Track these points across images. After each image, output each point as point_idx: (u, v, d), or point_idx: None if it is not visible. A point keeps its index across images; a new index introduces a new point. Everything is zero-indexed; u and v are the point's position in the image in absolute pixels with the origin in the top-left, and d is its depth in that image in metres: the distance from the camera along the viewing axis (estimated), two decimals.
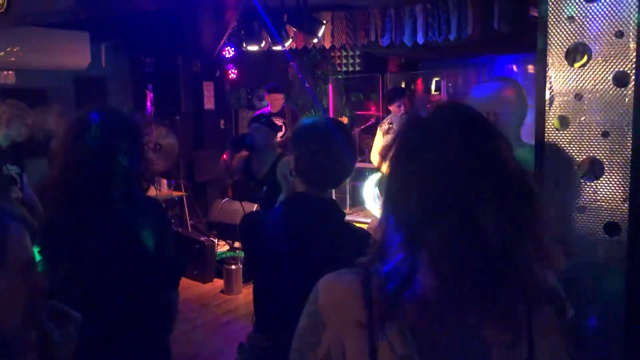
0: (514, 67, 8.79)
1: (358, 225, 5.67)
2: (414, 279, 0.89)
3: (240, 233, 1.88)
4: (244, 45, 6.69)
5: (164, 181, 6.41)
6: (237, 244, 5.68)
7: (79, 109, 1.90)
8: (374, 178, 6.02)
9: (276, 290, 1.75)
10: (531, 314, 0.92)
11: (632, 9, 1.87)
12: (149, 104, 6.76)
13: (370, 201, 6.90)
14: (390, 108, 5.26)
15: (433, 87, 8.10)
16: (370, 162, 5.81)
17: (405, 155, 0.92)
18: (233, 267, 5.20)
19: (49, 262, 1.79)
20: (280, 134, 6.06)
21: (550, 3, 2.01)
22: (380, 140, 5.36)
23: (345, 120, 7.08)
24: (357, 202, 7.37)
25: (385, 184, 0.94)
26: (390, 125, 5.28)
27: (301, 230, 1.70)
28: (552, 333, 0.94)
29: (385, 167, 0.96)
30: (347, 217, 7.23)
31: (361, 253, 1.66)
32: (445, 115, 0.94)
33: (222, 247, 6.00)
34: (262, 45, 6.53)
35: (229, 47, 7.08)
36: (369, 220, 5.55)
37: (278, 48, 6.46)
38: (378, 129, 5.45)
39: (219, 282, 5.43)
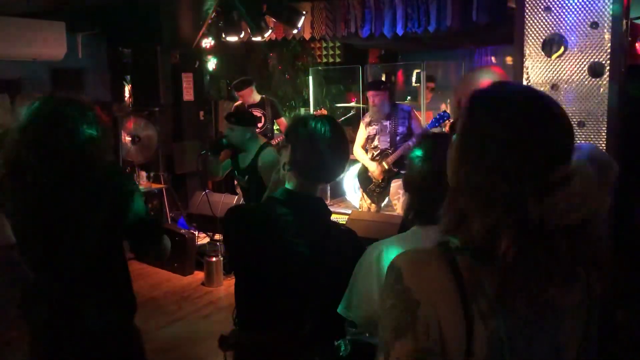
0: (493, 59, 8.86)
1: (339, 216, 5.66)
2: (494, 247, 0.92)
3: (225, 226, 1.86)
4: (223, 36, 6.64)
5: (143, 173, 6.35)
6: (217, 236, 5.66)
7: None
8: (355, 170, 6.04)
9: (262, 288, 1.73)
10: (588, 277, 1.01)
11: (606, 0, 1.90)
12: (127, 95, 6.68)
13: (351, 192, 6.93)
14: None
15: (414, 78, 8.13)
16: (351, 153, 5.83)
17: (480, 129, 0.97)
18: (214, 259, 5.19)
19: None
20: (259, 124, 6.05)
21: None
22: (363, 133, 5.37)
23: (324, 112, 7.08)
24: (337, 194, 7.40)
25: (455, 157, 1.00)
26: (371, 118, 5.32)
27: (291, 228, 1.68)
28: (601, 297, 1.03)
29: (455, 141, 1.01)
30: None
31: (349, 252, 1.68)
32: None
33: (202, 240, 5.97)
34: (242, 36, 6.49)
35: (208, 38, 7.02)
36: (349, 211, 5.57)
37: (258, 39, 6.42)
38: (361, 122, 5.48)
39: (199, 275, 5.41)
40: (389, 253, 1.48)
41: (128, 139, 6.23)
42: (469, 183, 0.97)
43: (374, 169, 5.25)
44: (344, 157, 1.78)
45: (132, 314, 2.05)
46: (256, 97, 6.14)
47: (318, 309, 1.67)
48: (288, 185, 1.76)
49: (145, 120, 6.38)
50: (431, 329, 0.94)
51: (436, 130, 4.92)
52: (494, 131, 0.95)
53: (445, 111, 5.33)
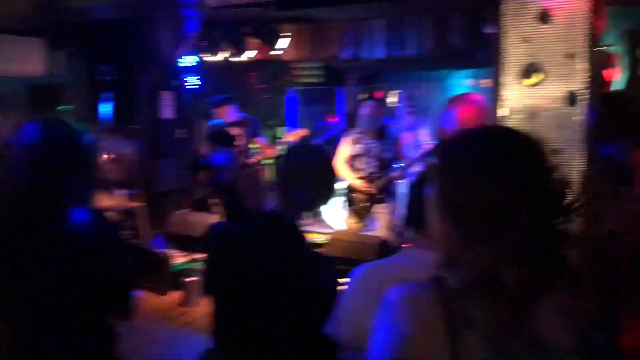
0: (470, 82, 9.03)
1: (318, 235, 5.67)
2: (484, 284, 0.94)
3: (206, 243, 1.86)
4: (205, 55, 6.65)
5: (121, 191, 6.28)
6: (197, 256, 5.61)
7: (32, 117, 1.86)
8: (336, 187, 6.05)
9: (239, 305, 1.74)
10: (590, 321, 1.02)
11: (581, 32, 1.97)
12: (106, 112, 6.64)
13: (330, 212, 6.93)
14: (360, 111, 5.23)
15: (392, 99, 8.27)
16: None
17: (463, 169, 0.99)
18: (193, 279, 5.13)
19: None
20: (238, 143, 6.04)
21: (506, 24, 2.09)
22: (347, 148, 5.30)
23: (307, 132, 7.08)
24: (317, 212, 7.40)
25: (441, 197, 1.01)
26: (360, 136, 5.20)
27: (272, 250, 1.70)
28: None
29: (434, 179, 1.03)
30: (307, 227, 7.15)
31: (325, 277, 1.69)
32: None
33: (179, 259, 5.91)
34: (223, 55, 6.50)
35: (189, 57, 7.03)
36: (328, 231, 5.58)
37: (239, 59, 6.44)
38: (346, 137, 5.36)
39: (175, 295, 5.35)
40: (376, 274, 1.50)
41: (105, 156, 6.18)
42: (467, 214, 0.97)
43: (359, 190, 5.18)
44: (331, 187, 1.81)
45: (113, 344, 2.00)
46: (235, 115, 6.14)
47: (293, 327, 1.68)
48: (270, 207, 1.79)
49: (124, 137, 6.34)
50: None
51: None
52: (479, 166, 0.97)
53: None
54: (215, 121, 6.22)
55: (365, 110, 5.17)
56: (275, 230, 1.72)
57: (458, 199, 0.98)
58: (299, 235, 1.79)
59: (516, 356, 0.95)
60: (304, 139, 6.26)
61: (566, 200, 0.98)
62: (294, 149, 1.86)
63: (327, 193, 1.79)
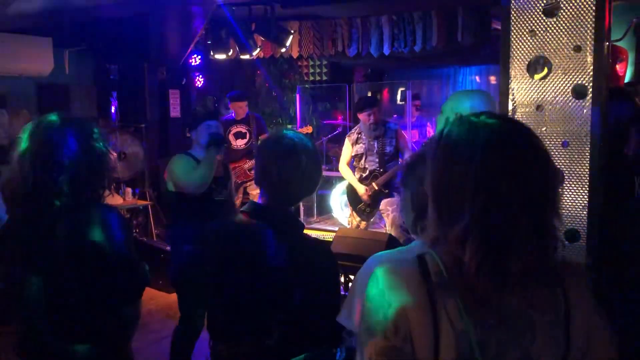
0: (477, 78, 9.00)
1: (325, 233, 5.62)
2: (462, 259, 1.00)
3: (202, 243, 1.85)
4: (212, 53, 6.66)
5: (129, 190, 6.31)
6: None
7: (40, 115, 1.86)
8: (342, 186, 6.05)
9: (236, 300, 1.73)
10: (567, 292, 1.06)
11: (588, 25, 1.95)
12: (113, 111, 6.67)
13: (338, 209, 6.94)
14: (360, 117, 5.23)
15: (399, 97, 8.23)
16: (337, 171, 5.83)
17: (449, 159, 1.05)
18: None
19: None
20: (244, 141, 6.07)
21: (512, 17, 2.08)
22: (348, 150, 5.32)
23: (310, 129, 7.09)
24: (325, 211, 7.40)
25: (431, 183, 1.08)
26: (359, 135, 5.26)
27: (262, 241, 1.69)
28: (587, 308, 1.08)
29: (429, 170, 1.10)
30: (315, 225, 7.11)
31: (322, 263, 1.70)
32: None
33: None
34: (230, 53, 6.51)
35: (196, 55, 7.04)
36: (336, 228, 5.58)
37: (246, 57, 6.45)
38: (346, 138, 5.42)
39: None
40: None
41: (114, 155, 6.21)
42: (442, 200, 1.05)
43: (362, 192, 5.18)
44: (313, 176, 1.78)
45: (128, 340, 2.00)
46: (244, 112, 6.17)
47: (292, 319, 1.68)
48: (259, 200, 1.78)
49: (131, 136, 6.36)
50: (401, 329, 1.01)
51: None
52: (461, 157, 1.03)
53: None
54: (225, 117, 6.25)
55: (364, 117, 5.13)
56: (267, 221, 1.70)
57: (436, 177, 1.06)
58: (293, 225, 1.78)
59: (492, 326, 1.01)
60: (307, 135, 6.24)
61: (554, 192, 1.03)
62: (264, 142, 1.83)
63: (307, 181, 1.76)
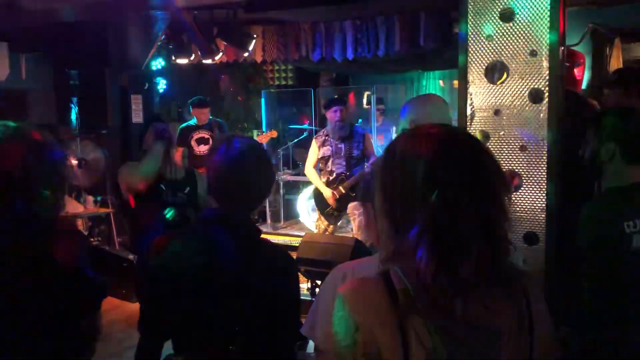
0: (441, 82, 9.11)
1: (293, 238, 5.61)
2: (422, 271, 0.99)
3: (158, 254, 1.83)
4: (173, 58, 6.57)
5: (90, 198, 6.17)
6: None
7: None
8: (308, 191, 6.03)
9: (194, 309, 1.71)
10: (529, 302, 1.07)
11: (544, 30, 1.98)
12: (74, 117, 6.52)
13: (305, 214, 6.92)
14: (327, 115, 5.24)
15: (364, 100, 8.31)
16: (304, 175, 5.82)
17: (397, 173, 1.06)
18: None
19: None
20: (207, 146, 6.01)
21: (470, 22, 2.10)
22: (315, 152, 5.32)
23: (275, 134, 7.06)
24: (292, 215, 7.37)
25: (380, 194, 1.08)
26: (327, 137, 5.26)
27: (217, 251, 1.67)
28: (546, 319, 1.11)
29: (376, 182, 1.10)
30: (282, 230, 7.10)
31: (280, 268, 1.69)
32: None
33: None
34: (192, 58, 6.44)
35: (159, 60, 6.94)
36: (303, 233, 5.56)
37: (208, 61, 6.39)
38: (313, 140, 5.42)
39: None
40: (351, 275, 1.50)
41: (74, 162, 6.06)
42: (394, 213, 1.05)
43: (329, 195, 5.19)
44: (261, 183, 1.78)
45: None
46: (207, 118, 6.12)
47: (250, 327, 1.67)
48: (214, 207, 1.77)
49: (92, 142, 6.23)
50: (370, 353, 0.99)
51: None
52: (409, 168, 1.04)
53: None
54: (187, 123, 6.18)
55: (331, 115, 5.18)
56: (226, 232, 1.69)
57: (386, 191, 1.07)
58: (248, 231, 1.77)
59: (460, 339, 1.00)
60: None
61: (500, 196, 1.03)
62: (211, 151, 1.83)
63: (257, 186, 1.75)
